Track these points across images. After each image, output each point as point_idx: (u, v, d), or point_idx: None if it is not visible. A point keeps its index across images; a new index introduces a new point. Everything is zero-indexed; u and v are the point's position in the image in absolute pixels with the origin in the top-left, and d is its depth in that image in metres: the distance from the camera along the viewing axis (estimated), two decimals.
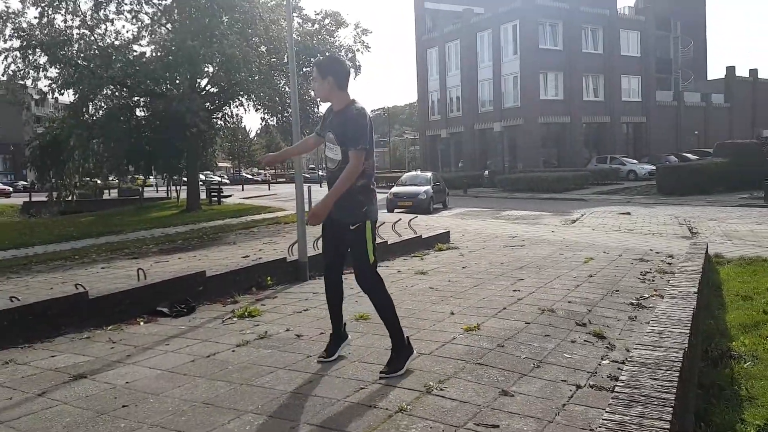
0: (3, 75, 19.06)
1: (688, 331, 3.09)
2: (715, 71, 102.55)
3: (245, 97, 21.73)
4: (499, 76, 38.63)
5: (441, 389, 2.96)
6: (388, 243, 8.41)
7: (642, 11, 42.41)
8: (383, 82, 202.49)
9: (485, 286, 5.72)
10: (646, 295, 5.33)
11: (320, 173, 60.02)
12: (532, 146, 36.84)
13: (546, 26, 37.20)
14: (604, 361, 3.44)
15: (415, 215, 14.06)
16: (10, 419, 2.71)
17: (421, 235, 9.35)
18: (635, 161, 35.61)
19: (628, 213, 16.60)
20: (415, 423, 2.55)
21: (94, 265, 8.60)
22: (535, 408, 2.73)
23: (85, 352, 3.82)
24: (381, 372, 3.18)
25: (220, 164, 62.13)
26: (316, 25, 22.07)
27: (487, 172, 35.25)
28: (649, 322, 3.46)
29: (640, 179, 31.92)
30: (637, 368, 2.64)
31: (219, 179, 51.03)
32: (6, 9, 18.54)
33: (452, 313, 4.64)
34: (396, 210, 18.97)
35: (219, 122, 23.66)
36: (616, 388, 2.45)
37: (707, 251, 7.10)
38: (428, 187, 20.50)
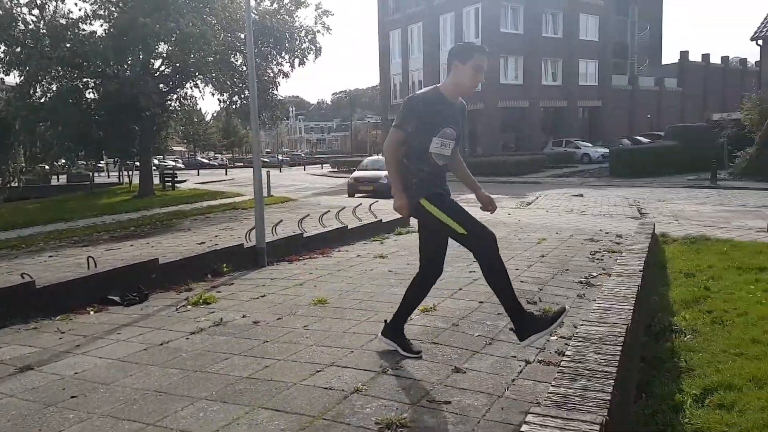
0: None
1: (631, 308, 3.22)
2: (670, 56, 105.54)
3: (201, 78, 21.17)
4: None
5: (396, 369, 3.01)
6: (348, 227, 8.43)
7: None
8: (346, 65, 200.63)
9: (443, 268, 5.79)
10: (595, 274, 5.51)
11: (279, 157, 59.27)
12: (491, 130, 37.26)
13: (508, 9, 37.42)
14: (552, 338, 3.56)
15: (377, 200, 14.09)
16: None
17: (381, 219, 9.39)
18: (589, 144, 36.46)
19: (581, 195, 17.04)
20: (370, 402, 2.59)
21: (42, 253, 8.31)
22: (486, 384, 2.81)
23: (31, 342, 3.71)
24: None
25: (174, 148, 60.59)
26: (275, 5, 21.61)
27: None
28: (595, 300, 3.60)
29: (594, 162, 32.76)
30: (582, 343, 2.75)
31: (173, 164, 49.80)
32: None
33: None
34: (357, 195, 18.95)
35: (173, 104, 23.01)
36: (562, 363, 2.54)
37: (654, 231, 7.37)
38: None
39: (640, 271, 4.21)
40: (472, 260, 6.13)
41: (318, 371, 3.01)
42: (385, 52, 45.18)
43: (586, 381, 2.21)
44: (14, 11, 17.97)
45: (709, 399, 3.40)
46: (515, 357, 3.21)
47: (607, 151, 32.30)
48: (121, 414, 2.56)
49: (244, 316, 4.21)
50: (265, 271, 6.10)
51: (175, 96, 22.43)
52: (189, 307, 4.57)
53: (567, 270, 5.72)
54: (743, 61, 53.86)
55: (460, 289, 4.85)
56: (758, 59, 27.12)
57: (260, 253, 6.44)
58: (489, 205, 3.42)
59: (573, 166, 31.86)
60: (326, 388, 2.76)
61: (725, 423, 3.10)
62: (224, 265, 5.98)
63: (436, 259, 3.30)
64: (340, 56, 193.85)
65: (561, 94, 39.62)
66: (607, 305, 3.30)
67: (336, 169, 41.48)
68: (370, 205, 10.70)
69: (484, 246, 3.03)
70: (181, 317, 4.28)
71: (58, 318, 4.28)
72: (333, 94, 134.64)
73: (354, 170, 23.24)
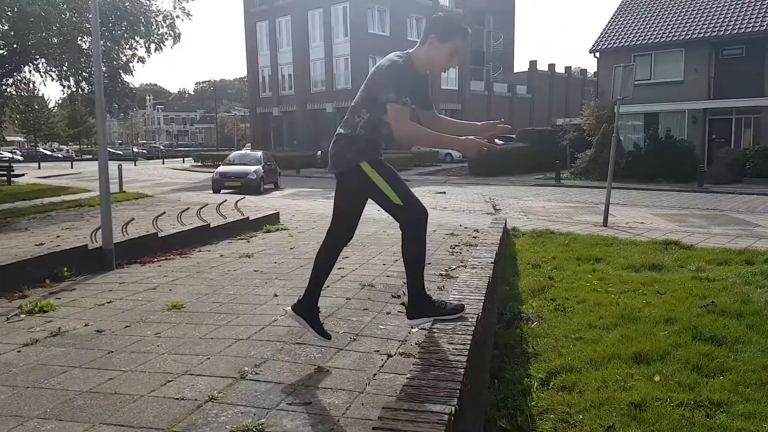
0: None
1: (482, 298, 3.43)
2: (520, 64, 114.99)
3: (43, 61, 18.98)
4: (331, 57, 38.89)
5: (256, 373, 2.92)
6: (211, 226, 8.05)
7: (460, 4, 45.71)
8: (210, 54, 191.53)
9: (311, 267, 5.75)
10: (454, 267, 5.81)
11: (135, 150, 55.12)
12: None
13: (375, 11, 38.28)
14: (413, 330, 3.68)
15: (244, 196, 13.63)
16: None
17: (248, 217, 9.10)
18: None
19: (444, 192, 17.98)
20: (225, 410, 2.47)
21: None
22: (347, 381, 2.82)
23: None
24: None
25: (9, 138, 53.76)
26: None
27: (320, 153, 35.46)
28: (451, 291, 3.78)
29: (456, 162, 34.81)
30: (437, 334, 2.87)
31: (10, 155, 44.18)
32: None
33: (275, 295, 4.59)
34: (223, 191, 18.23)
35: (9, 90, 20.40)
36: (417, 354, 2.63)
37: (506, 225, 7.96)
38: (258, 167, 20.01)
39: (492, 263, 4.51)
40: (342, 257, 6.19)
41: (169, 381, 2.81)
42: (252, 44, 43.94)
43: (438, 371, 2.30)
44: None
45: (553, 382, 3.73)
46: (378, 351, 3.27)
47: None
48: None
49: (86, 325, 3.82)
50: (112, 275, 5.60)
51: (11, 80, 19.90)
52: (22, 316, 4.06)
53: (429, 263, 5.93)
54: (584, 71, 60.31)
55: (328, 286, 4.82)
56: (596, 70, 30.46)
57: (107, 254, 5.91)
58: (486, 131, 3.11)
59: (437, 165, 33.61)
60: (177, 399, 2.59)
61: (566, 404, 3.42)
62: (65, 268, 5.40)
63: (353, 224, 3.19)
64: (205, 45, 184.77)
65: None
66: (461, 296, 3.48)
67: (200, 163, 39.53)
68: (237, 201, 10.31)
69: (416, 220, 3.01)
70: (12, 327, 3.79)
71: None
72: (196, 83, 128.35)
73: (219, 164, 22.31)
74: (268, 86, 43.87)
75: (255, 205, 12.42)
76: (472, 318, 3.00)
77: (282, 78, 42.79)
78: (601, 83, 26.85)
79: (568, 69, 58.43)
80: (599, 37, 28.66)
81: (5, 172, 21.09)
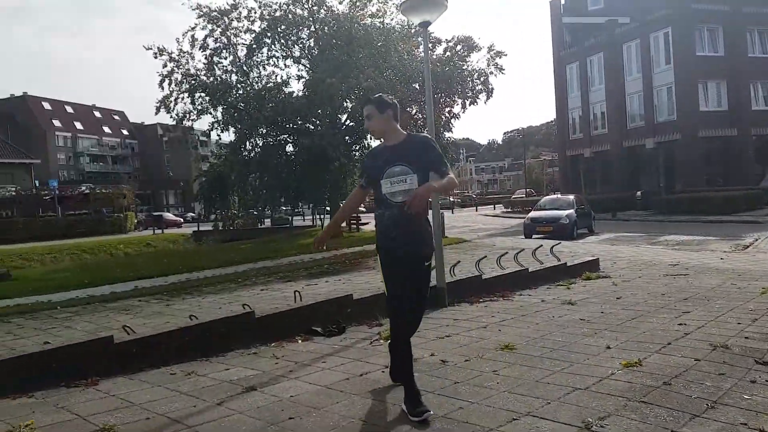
0: (171, 117, 21.69)
1: None
2: None
3: None
4: (650, 88, 35.93)
5: (602, 426, 2.82)
6: (530, 270, 8.17)
7: None
8: (517, 103, 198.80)
9: (645, 319, 5.32)
10: None
11: (451, 199, 59.95)
12: (692, 163, 33.46)
13: (704, 31, 34.01)
14: None
15: (559, 242, 13.47)
16: (196, 424, 3.06)
17: (565, 263, 8.94)
18: None
19: None
20: None
21: (254, 287, 9.43)
22: None
23: (253, 366, 4.21)
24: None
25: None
26: (448, 53, 22.39)
27: (639, 193, 32.66)
28: None
29: None
30: None
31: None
32: (178, 53, 21.05)
33: (608, 347, 4.36)
34: (534, 236, 18.34)
35: (357, 154, 24.90)
36: None
37: None
38: (571, 211, 19.53)
39: None
40: (680, 312, 5.56)
41: (514, 419, 2.94)
42: (561, 87, 43.78)
43: None
44: (227, 78, 21.22)
45: None
46: (746, 425, 2.80)
47: None
48: None
49: (432, 355, 4.29)
50: (446, 311, 6.16)
51: (358, 146, 24.29)
52: (381, 341, 4.80)
53: None
54: None
55: (669, 343, 4.39)
56: None
57: (441, 293, 6.54)
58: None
59: None
60: None
61: None
62: None
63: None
64: (512, 94, 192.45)
65: None
66: None
67: (509, 209, 40.71)
68: (552, 247, 10.25)
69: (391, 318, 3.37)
70: (375, 350, 4.52)
71: (273, 345, 4.81)
72: (504, 133, 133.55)
73: (530, 210, 22.58)
74: (578, 127, 42.93)
75: (570, 251, 12.11)
76: None
77: (594, 117, 41.36)
78: None
79: None
80: None
81: (355, 222, 25.64)
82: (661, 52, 35.39)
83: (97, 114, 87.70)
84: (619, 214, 28.27)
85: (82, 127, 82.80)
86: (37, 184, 44.14)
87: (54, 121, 78.86)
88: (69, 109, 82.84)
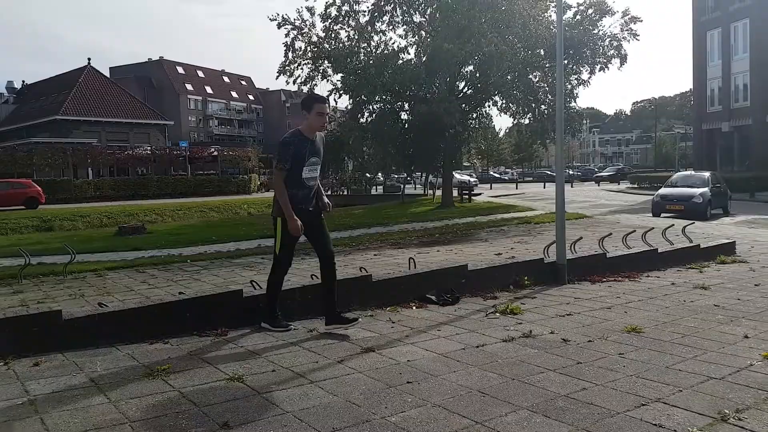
0: (293, 82, 22.43)
1: None
2: None
3: (498, 95, 21.91)
4: None
5: (739, 419, 2.61)
6: (659, 251, 7.65)
7: None
8: (649, 72, 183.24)
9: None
10: None
11: (570, 172, 56.92)
12: None
13: None
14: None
15: (692, 221, 12.40)
16: (318, 380, 3.24)
17: (698, 245, 8.26)
18: None
19: None
20: None
21: (368, 251, 9.71)
22: None
23: (370, 328, 4.37)
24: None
25: (465, 164, 63.85)
26: (578, 16, 21.00)
27: None
28: None
29: None
30: None
31: (468, 178, 52.25)
32: (301, 21, 21.64)
33: (746, 337, 4.03)
34: (663, 214, 17.04)
35: (473, 123, 24.35)
36: None
37: None
38: (705, 189, 17.87)
39: None
40: None
41: (642, 405, 2.80)
42: (700, 55, 39.63)
43: None
44: (348, 44, 21.51)
45: None
46: None
47: None
48: (451, 406, 2.81)
49: (552, 332, 4.19)
50: (566, 289, 5.96)
51: (474, 115, 23.74)
52: (497, 314, 4.77)
53: None
54: None
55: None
56: None
57: (561, 269, 6.32)
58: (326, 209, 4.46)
59: None
60: (656, 425, 2.56)
61: None
62: (525, 277, 6.06)
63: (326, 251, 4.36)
64: (644, 62, 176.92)
65: None
66: None
67: (636, 185, 38.03)
68: (684, 227, 9.46)
69: (277, 272, 4.31)
70: (491, 323, 4.49)
71: (388, 309, 4.95)
72: (633, 103, 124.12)
73: (660, 187, 20.94)
74: (717, 99, 38.78)
75: (704, 232, 11.18)
76: None
77: (735, 89, 37.11)
78: None
79: None
80: None
81: (467, 192, 25.34)
82: None
83: (226, 79, 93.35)
84: (758, 194, 25.41)
85: (211, 92, 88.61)
86: (170, 144, 48.03)
87: (186, 84, 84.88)
88: (200, 74, 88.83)
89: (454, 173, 26.60)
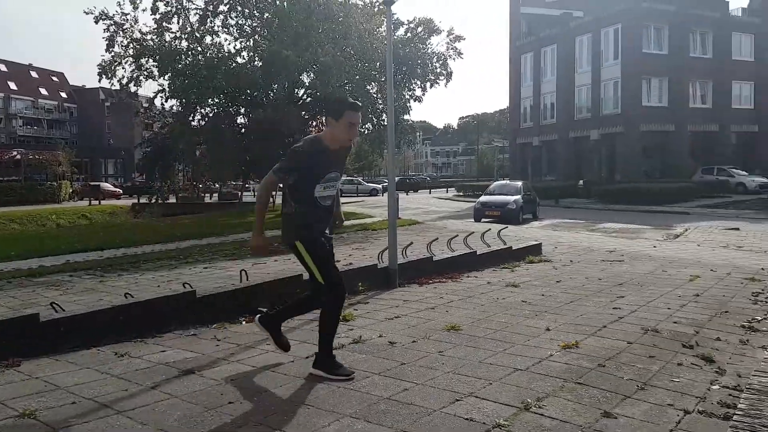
0: (117, 82, 20.55)
1: None
2: None
3: None
4: (598, 82, 37.04)
5: (539, 407, 2.89)
6: (477, 253, 8.31)
7: (756, 12, 39.14)
8: (473, 89, 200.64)
9: (582, 303, 5.51)
10: (759, 318, 4.90)
11: (425, 176, 59.67)
12: (632, 155, 34.93)
13: (650, 29, 35.20)
14: (713, 387, 3.21)
15: (506, 226, 13.75)
16: (126, 409, 2.91)
17: (511, 247, 9.14)
18: (745, 173, 32.88)
19: (737, 228, 15.30)
20: None
21: (197, 265, 9.14)
22: None
23: (192, 348, 4.07)
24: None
25: None
26: (409, 34, 22.27)
27: (582, 182, 33.82)
28: (765, 347, 3.19)
29: (751, 193, 29.50)
30: (756, 396, 2.45)
31: None
32: (121, 16, 19.89)
33: (548, 329, 4.50)
34: (483, 219, 18.70)
35: (314, 131, 24.46)
36: (735, 417, 2.28)
37: None
38: (518, 197, 20.01)
39: None
40: (615, 296, 5.79)
41: (457, 400, 2.97)
42: (515, 76, 44.54)
43: None
44: (177, 46, 20.31)
45: None
46: (672, 405, 2.94)
47: (765, 180, 28.98)
48: (273, 423, 2.71)
49: (380, 336, 4.30)
50: (397, 293, 6.19)
51: (314, 123, 23.86)
52: None
53: (726, 312, 5.16)
54: None
55: (605, 326, 4.56)
56: None
57: (392, 274, 6.56)
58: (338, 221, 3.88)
59: (726, 197, 28.82)
60: (467, 419, 2.72)
61: None
62: (360, 283, 6.16)
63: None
64: (468, 80, 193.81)
65: (711, 118, 36.24)
66: None
67: (461, 194, 41.31)
68: (499, 231, 10.48)
69: (334, 299, 3.40)
70: None
71: (214, 326, 4.67)
72: (460, 118, 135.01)
73: (480, 195, 22.98)
74: (529, 116, 43.87)
75: (516, 235, 12.40)
76: None
77: (544, 107, 42.34)
78: None
79: None
80: None
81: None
82: (610, 47, 36.47)
83: (34, 74, 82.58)
84: (561, 201, 29.19)
85: (15, 88, 77.87)
86: None
87: None
88: (2, 68, 77.67)
89: None
